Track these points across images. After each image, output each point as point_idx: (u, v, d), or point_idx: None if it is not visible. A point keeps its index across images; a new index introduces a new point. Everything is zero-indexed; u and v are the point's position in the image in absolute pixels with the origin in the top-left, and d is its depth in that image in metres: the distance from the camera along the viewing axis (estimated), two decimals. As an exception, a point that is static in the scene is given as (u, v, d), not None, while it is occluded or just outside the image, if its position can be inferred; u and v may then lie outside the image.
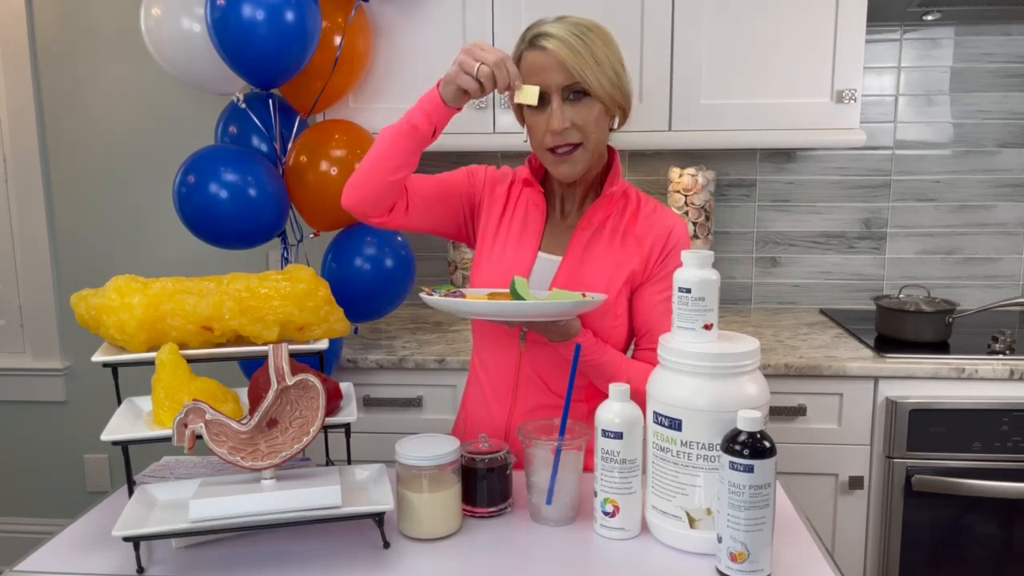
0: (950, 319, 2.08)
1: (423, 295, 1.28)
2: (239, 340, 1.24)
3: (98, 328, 1.20)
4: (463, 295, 1.30)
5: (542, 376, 1.40)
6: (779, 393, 1.96)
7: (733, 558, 1.00)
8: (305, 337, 1.25)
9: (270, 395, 1.09)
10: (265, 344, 1.21)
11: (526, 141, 1.40)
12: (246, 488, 1.08)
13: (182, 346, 1.20)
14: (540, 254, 1.42)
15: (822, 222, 2.54)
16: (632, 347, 1.46)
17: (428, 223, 1.47)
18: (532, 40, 1.31)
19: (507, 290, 1.29)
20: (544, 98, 1.30)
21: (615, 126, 1.38)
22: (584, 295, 1.28)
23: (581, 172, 1.35)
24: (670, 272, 1.35)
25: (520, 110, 1.39)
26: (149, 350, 1.20)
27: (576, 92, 1.29)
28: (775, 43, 2.11)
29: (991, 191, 2.48)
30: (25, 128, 2.62)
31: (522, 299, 1.21)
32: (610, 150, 1.43)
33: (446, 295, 1.28)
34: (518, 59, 1.34)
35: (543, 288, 1.39)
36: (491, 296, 1.28)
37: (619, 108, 1.35)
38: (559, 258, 1.40)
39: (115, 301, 1.18)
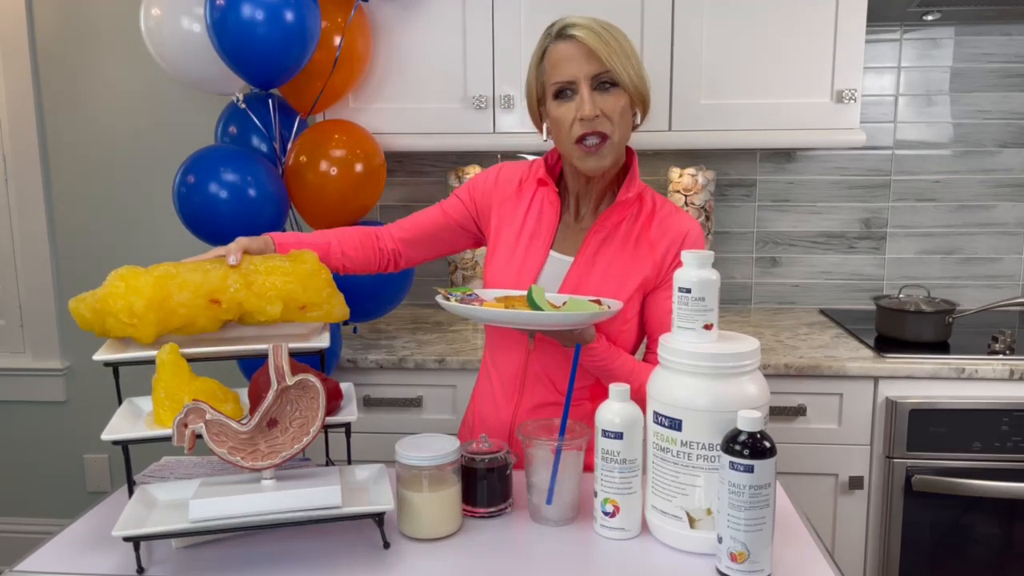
0: (950, 319, 2.08)
1: (439, 299, 1.28)
2: (244, 318, 1.24)
3: (104, 321, 1.19)
4: (479, 299, 1.30)
5: (549, 374, 1.40)
6: (779, 393, 1.96)
7: (733, 558, 1.00)
8: (307, 318, 1.25)
9: (270, 395, 1.09)
10: (269, 322, 1.22)
11: (545, 140, 1.39)
12: (246, 488, 1.08)
13: (190, 326, 1.20)
14: (552, 253, 1.41)
15: (822, 222, 2.54)
16: (643, 349, 1.47)
17: (434, 256, 1.55)
18: (560, 31, 1.32)
19: (521, 292, 1.30)
20: (572, 89, 1.31)
21: (638, 121, 1.38)
22: (600, 302, 1.28)
23: (609, 166, 1.35)
24: None
25: (539, 109, 1.39)
26: (158, 336, 1.20)
27: (604, 82, 1.30)
28: (775, 43, 2.11)
29: (991, 191, 2.48)
30: (25, 128, 2.62)
31: (539, 308, 1.22)
32: (629, 151, 1.42)
33: (462, 299, 1.28)
34: (542, 53, 1.35)
35: (553, 289, 1.38)
36: (506, 300, 1.28)
37: (642, 102, 1.35)
38: (571, 258, 1.40)
39: (120, 288, 1.18)
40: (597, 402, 1.38)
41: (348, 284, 2.06)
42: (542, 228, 1.42)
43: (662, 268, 1.37)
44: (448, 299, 1.27)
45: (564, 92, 1.32)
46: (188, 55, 1.97)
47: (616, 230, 1.39)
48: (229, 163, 1.88)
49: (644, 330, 1.43)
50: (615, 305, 1.27)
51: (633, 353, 1.43)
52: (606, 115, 1.30)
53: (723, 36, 2.12)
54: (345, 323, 2.17)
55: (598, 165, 1.33)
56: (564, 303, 1.28)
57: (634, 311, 1.38)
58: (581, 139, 1.31)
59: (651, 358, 1.41)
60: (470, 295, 1.30)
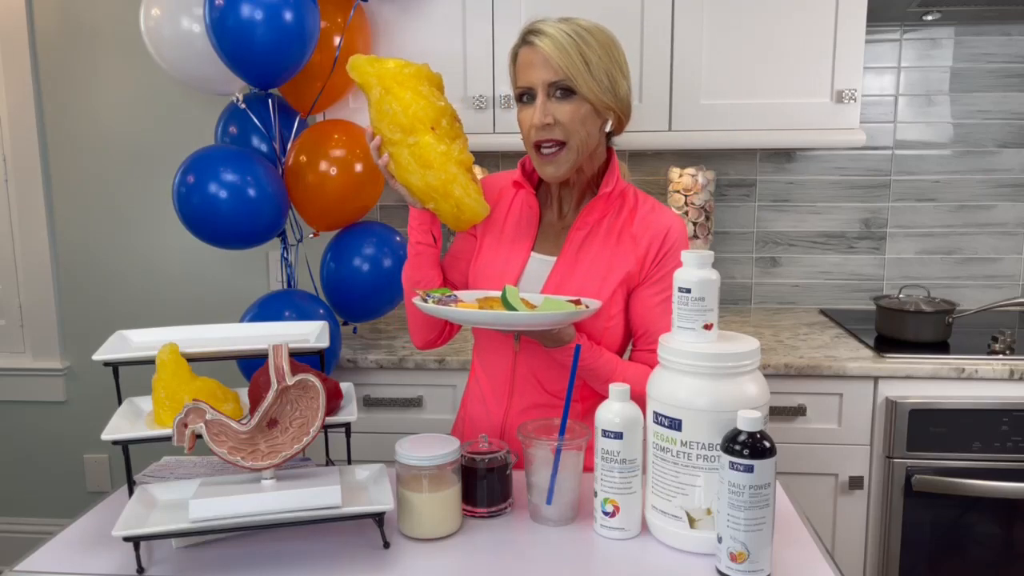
0: (950, 319, 2.08)
1: (416, 301, 1.28)
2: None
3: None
4: (457, 300, 1.30)
5: (537, 376, 1.40)
6: (779, 393, 1.96)
7: (733, 558, 1.01)
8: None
9: (270, 395, 1.09)
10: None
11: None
12: (246, 488, 1.08)
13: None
14: (533, 254, 1.41)
15: (822, 222, 2.54)
16: (630, 348, 1.46)
17: None
18: (525, 36, 1.33)
19: (499, 293, 1.30)
20: (531, 94, 1.32)
21: (610, 130, 1.38)
22: (578, 301, 1.28)
23: (566, 173, 1.35)
24: (667, 273, 1.34)
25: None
26: None
27: (562, 90, 1.30)
28: (775, 43, 2.11)
29: (991, 191, 2.48)
30: (25, 128, 2.62)
31: (513, 308, 1.22)
32: (609, 150, 1.42)
33: (440, 300, 1.28)
34: (515, 54, 1.36)
35: (535, 290, 1.38)
36: (483, 301, 1.28)
37: (612, 112, 1.34)
38: (553, 258, 1.40)
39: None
40: (585, 403, 1.38)
41: (347, 285, 2.07)
42: (522, 230, 1.43)
43: (645, 264, 1.37)
44: (425, 301, 1.27)
45: (525, 96, 1.34)
46: (188, 55, 1.97)
47: (598, 226, 1.39)
48: (229, 163, 1.88)
49: (629, 328, 1.43)
50: (593, 304, 1.27)
51: (621, 352, 1.42)
52: (561, 123, 1.30)
53: (723, 36, 2.12)
54: (346, 323, 2.17)
55: (555, 172, 1.34)
56: (541, 303, 1.28)
57: (618, 307, 1.38)
58: (537, 145, 1.33)
59: (637, 356, 1.41)
60: (448, 296, 1.30)
